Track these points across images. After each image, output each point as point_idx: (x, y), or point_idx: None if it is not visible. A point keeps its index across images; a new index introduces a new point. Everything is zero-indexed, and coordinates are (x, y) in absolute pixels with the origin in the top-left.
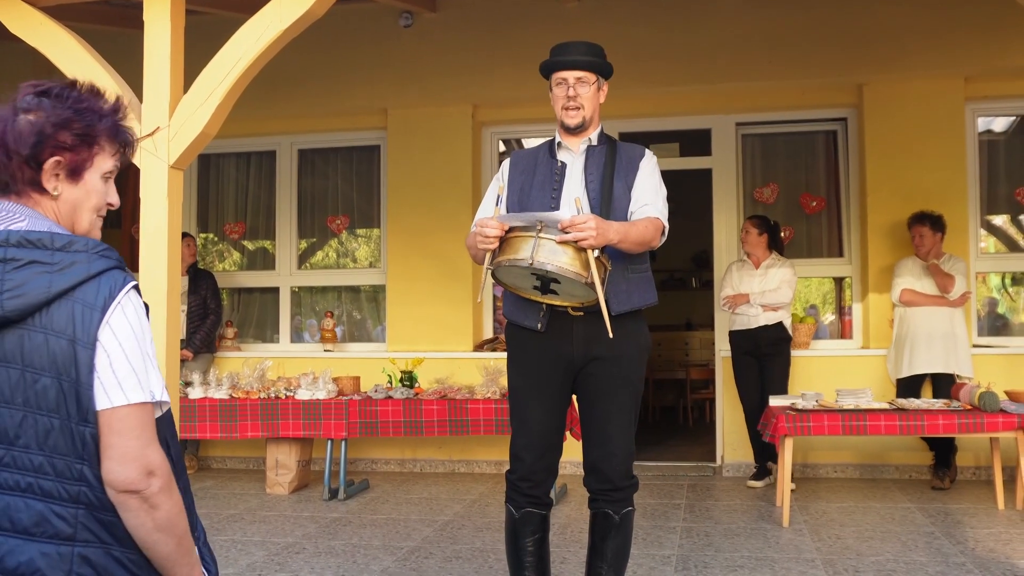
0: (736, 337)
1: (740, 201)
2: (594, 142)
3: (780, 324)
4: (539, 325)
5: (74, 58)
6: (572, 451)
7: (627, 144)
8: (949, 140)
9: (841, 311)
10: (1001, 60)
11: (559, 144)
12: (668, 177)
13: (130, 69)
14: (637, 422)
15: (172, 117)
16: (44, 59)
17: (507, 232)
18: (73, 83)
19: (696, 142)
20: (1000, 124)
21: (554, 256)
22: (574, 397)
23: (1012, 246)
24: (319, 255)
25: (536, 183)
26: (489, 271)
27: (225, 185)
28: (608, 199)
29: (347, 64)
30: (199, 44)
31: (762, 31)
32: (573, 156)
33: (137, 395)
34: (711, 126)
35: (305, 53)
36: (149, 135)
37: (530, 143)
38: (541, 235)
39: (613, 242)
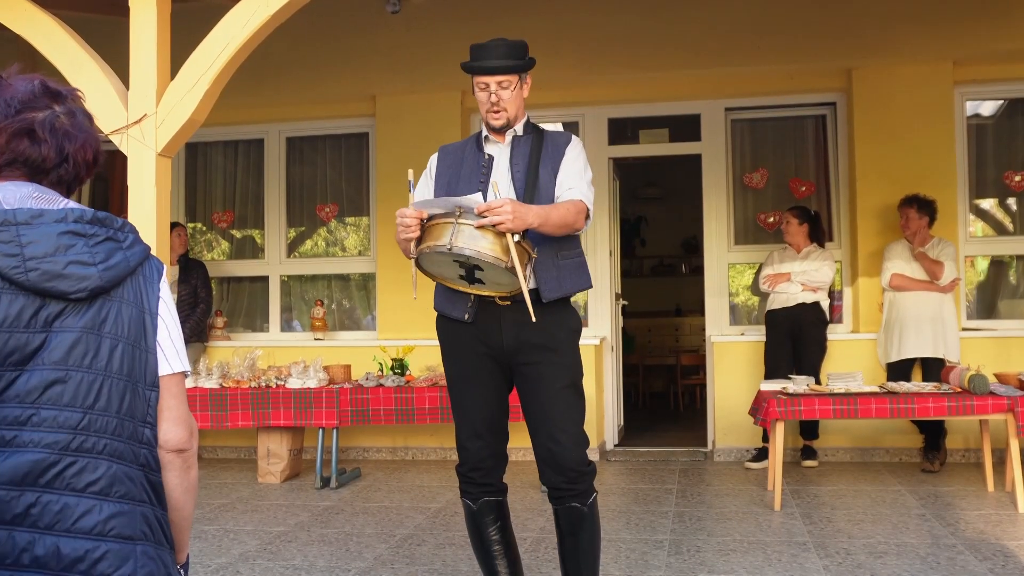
0: (774, 316)
1: (730, 186)
2: (519, 132)
3: (818, 305)
4: (466, 316)
5: (61, 46)
6: None
7: (554, 132)
8: (938, 124)
9: (831, 296)
10: (989, 44)
11: (486, 138)
12: (657, 163)
13: (116, 56)
14: (584, 407)
15: (159, 104)
16: (29, 47)
17: (428, 220)
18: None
19: (685, 128)
20: (988, 108)
21: (473, 241)
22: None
23: (1000, 229)
24: (308, 243)
25: (463, 176)
26: (414, 261)
27: (213, 174)
28: (533, 186)
29: (334, 51)
30: (185, 31)
31: (751, 16)
32: (500, 148)
33: (185, 363)
34: (700, 111)
35: (292, 39)
36: (136, 123)
37: None
38: (460, 220)
39: (533, 225)
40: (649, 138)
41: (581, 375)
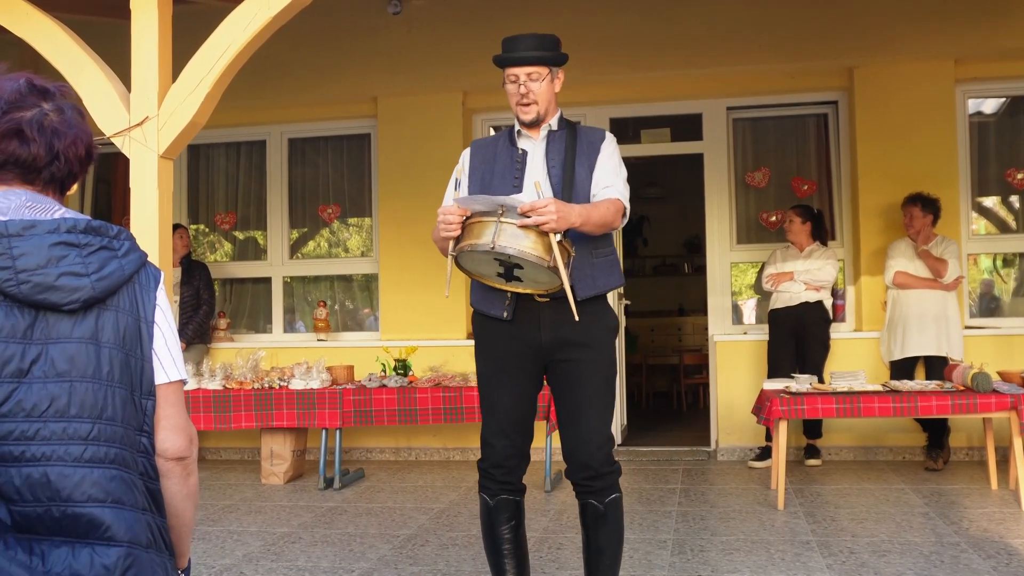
0: (777, 315)
1: (732, 186)
2: (554, 127)
3: (821, 304)
4: (505, 314)
5: (62, 49)
6: None
7: (588, 128)
8: (940, 122)
9: (834, 294)
10: (991, 42)
11: (519, 132)
12: (659, 162)
13: (118, 59)
14: (613, 406)
15: (161, 107)
16: (31, 50)
17: (469, 218)
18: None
19: (687, 127)
20: (990, 106)
21: (516, 240)
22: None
23: (1003, 227)
24: (311, 245)
25: (497, 172)
26: (452, 258)
27: (215, 175)
28: (570, 183)
29: (336, 52)
30: (187, 33)
31: (752, 15)
32: (534, 143)
33: (182, 371)
34: (702, 111)
35: (294, 41)
36: (138, 125)
37: None
38: (503, 219)
39: (575, 225)
40: (651, 138)
41: (615, 374)
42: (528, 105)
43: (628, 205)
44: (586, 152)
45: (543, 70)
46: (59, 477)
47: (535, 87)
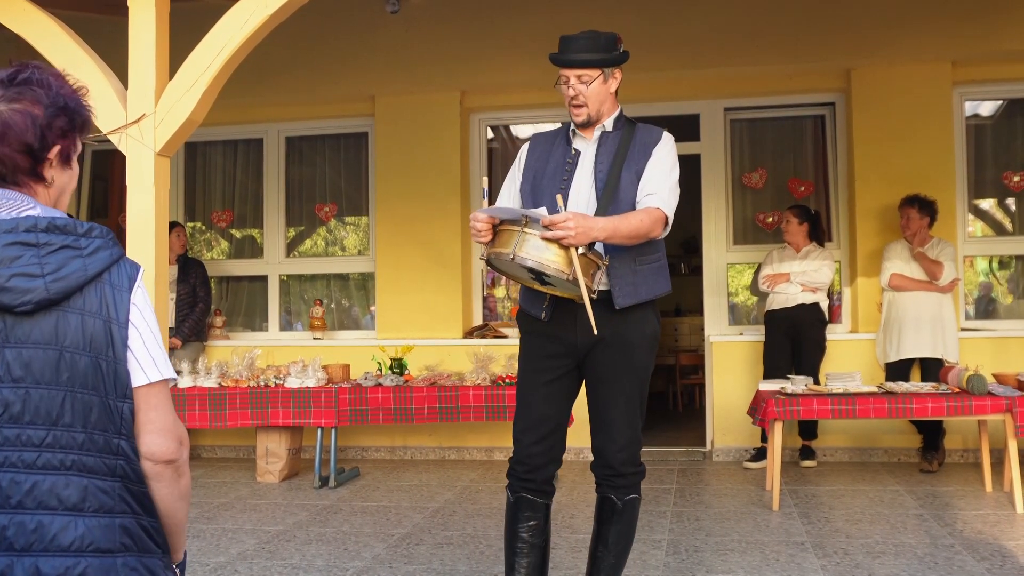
0: (774, 317)
1: (729, 186)
2: (609, 128)
3: (817, 305)
4: (543, 314)
5: (60, 46)
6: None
7: (646, 127)
8: (937, 124)
9: (830, 296)
10: (988, 44)
11: (574, 132)
12: None
13: (115, 56)
14: (644, 411)
15: (158, 104)
16: (28, 47)
17: (499, 224)
18: (38, 67)
19: (684, 128)
20: (987, 108)
21: (537, 252)
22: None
23: (999, 230)
24: (308, 243)
25: (548, 171)
26: (485, 261)
27: (212, 173)
28: (613, 190)
29: (334, 51)
30: (184, 31)
31: (750, 16)
32: (587, 143)
33: (167, 371)
34: (699, 111)
35: (291, 40)
36: (135, 122)
37: (518, 129)
38: (526, 230)
39: (599, 239)
40: None
41: (647, 379)
42: (579, 107)
43: (671, 213)
44: (636, 157)
45: (593, 72)
46: (10, 484)
47: (584, 89)
